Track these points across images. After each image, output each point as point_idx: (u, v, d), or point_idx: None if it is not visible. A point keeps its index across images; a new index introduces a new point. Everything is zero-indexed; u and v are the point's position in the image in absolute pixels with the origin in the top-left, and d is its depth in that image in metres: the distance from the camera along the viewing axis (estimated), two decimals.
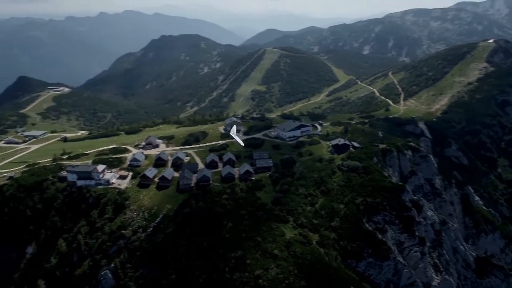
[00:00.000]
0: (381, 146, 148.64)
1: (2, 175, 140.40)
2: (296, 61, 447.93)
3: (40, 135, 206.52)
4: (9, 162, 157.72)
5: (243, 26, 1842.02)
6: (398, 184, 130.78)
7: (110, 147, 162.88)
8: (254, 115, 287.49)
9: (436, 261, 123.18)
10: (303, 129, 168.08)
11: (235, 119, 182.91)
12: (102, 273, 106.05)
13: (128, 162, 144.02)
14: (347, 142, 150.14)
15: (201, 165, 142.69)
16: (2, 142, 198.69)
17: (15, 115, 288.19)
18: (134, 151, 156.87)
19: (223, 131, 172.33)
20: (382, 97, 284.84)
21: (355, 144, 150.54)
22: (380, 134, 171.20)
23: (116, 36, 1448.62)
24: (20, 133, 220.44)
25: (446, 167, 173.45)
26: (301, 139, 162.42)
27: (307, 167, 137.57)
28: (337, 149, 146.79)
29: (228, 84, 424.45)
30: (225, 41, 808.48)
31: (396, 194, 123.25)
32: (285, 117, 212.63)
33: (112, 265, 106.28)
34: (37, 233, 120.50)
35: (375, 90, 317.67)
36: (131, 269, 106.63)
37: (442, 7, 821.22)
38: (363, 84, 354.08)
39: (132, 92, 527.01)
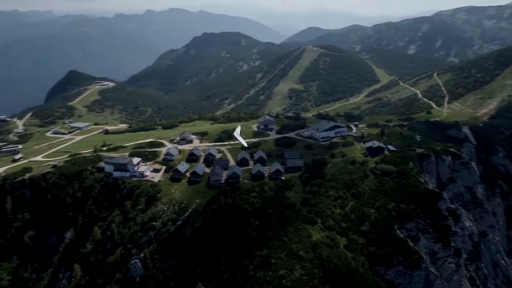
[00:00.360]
0: (419, 150, 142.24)
1: (47, 164, 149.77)
2: (336, 60, 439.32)
3: (84, 127, 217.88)
4: (54, 152, 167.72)
5: (285, 24, 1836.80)
6: (434, 191, 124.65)
7: (147, 140, 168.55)
8: (290, 114, 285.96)
9: (473, 274, 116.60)
10: (337, 130, 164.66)
11: (268, 117, 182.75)
12: (132, 262, 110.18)
13: (162, 156, 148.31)
14: (382, 145, 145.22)
15: (232, 162, 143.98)
16: (50, 132, 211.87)
17: (63, 107, 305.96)
18: (169, 145, 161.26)
19: (256, 129, 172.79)
20: (425, 99, 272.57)
21: (391, 147, 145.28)
22: (418, 138, 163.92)
23: (161, 33, 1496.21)
24: (66, 124, 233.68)
25: (490, 176, 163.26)
26: (334, 140, 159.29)
27: (339, 169, 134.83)
28: (371, 151, 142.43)
29: (265, 82, 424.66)
30: (266, 39, 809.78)
31: (431, 202, 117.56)
32: (320, 117, 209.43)
33: (142, 254, 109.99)
34: (75, 219, 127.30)
35: (417, 91, 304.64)
36: (160, 260, 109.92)
37: (497, 4, 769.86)
38: (405, 85, 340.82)
39: (172, 88, 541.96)
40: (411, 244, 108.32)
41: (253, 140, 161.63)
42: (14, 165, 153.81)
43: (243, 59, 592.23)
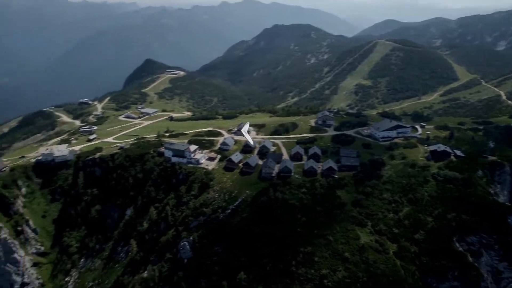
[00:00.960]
0: (491, 158, 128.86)
1: (115, 145, 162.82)
2: (410, 56, 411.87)
3: (152, 113, 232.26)
4: (123, 134, 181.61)
5: (361, 16, 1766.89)
6: (505, 204, 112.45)
7: (207, 129, 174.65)
8: (354, 111, 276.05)
9: None
10: (400, 130, 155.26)
11: (327, 113, 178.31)
12: (182, 244, 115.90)
13: (218, 145, 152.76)
14: (448, 149, 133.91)
15: (285, 156, 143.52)
16: (122, 116, 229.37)
17: (137, 93, 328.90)
18: (226, 135, 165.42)
19: (313, 124, 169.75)
20: (509, 102, 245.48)
21: (458, 152, 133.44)
22: (492, 144, 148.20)
23: (234, 24, 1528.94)
24: (138, 109, 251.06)
25: None
26: (395, 140, 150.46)
27: (397, 171, 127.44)
28: (435, 155, 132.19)
29: (332, 76, 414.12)
30: (338, 32, 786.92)
31: (500, 216, 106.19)
32: (384, 115, 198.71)
33: (191, 238, 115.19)
34: (136, 199, 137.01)
35: (501, 92, 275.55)
36: (207, 245, 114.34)
37: None
38: (488, 85, 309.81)
39: (240, 79, 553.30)
40: (471, 259, 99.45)
41: (309, 135, 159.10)
42: (88, 144, 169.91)
43: (312, 52, 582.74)
